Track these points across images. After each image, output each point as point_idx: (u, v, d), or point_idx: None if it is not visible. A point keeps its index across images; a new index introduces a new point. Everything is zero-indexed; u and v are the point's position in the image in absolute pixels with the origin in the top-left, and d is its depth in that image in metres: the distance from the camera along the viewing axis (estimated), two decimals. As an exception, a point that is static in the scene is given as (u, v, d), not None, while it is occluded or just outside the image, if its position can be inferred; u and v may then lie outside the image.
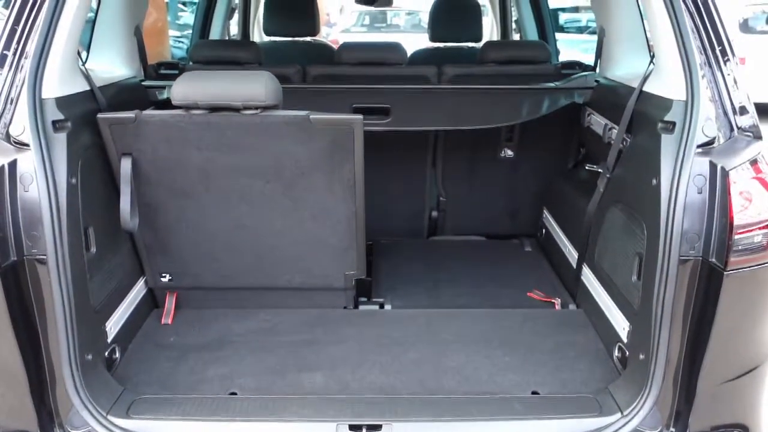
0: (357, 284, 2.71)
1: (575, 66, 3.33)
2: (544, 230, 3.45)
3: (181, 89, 2.20)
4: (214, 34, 4.66)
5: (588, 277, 2.71)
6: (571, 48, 9.16)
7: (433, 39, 4.59)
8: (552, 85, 3.11)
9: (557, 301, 2.83)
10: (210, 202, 2.43)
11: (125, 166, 2.30)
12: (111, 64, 2.98)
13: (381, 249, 3.46)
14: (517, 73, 3.28)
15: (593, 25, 11.94)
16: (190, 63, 3.30)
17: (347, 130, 2.27)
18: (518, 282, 3.03)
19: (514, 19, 4.91)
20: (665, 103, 2.14)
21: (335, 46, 5.92)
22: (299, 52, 4.60)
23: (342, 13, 15.80)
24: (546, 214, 3.42)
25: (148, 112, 2.28)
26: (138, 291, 2.64)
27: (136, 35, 3.08)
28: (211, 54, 3.27)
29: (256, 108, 2.22)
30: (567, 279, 3.00)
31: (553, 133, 3.32)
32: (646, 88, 2.37)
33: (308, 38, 4.63)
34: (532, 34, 4.66)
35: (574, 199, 3.00)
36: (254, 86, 2.19)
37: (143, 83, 3.02)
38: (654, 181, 2.05)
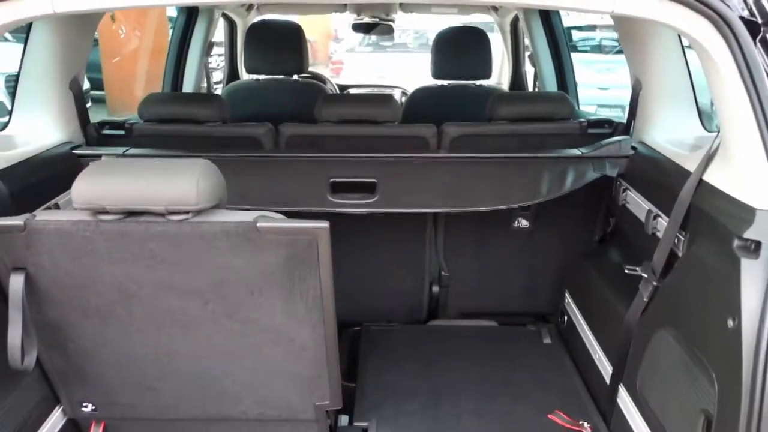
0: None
1: (603, 124, 2.69)
2: (566, 317, 2.82)
3: (84, 189, 1.61)
4: (190, 72, 4.07)
5: (626, 403, 2.08)
6: (587, 67, 8.58)
7: (436, 76, 3.96)
8: (578, 152, 2.48)
9: (586, 430, 2.19)
10: (135, 324, 1.83)
11: (15, 284, 1.71)
12: (38, 128, 2.40)
13: (370, 338, 2.85)
14: (534, 132, 2.66)
15: (608, 43, 11.35)
16: (140, 122, 2.70)
17: (309, 240, 1.66)
18: (537, 395, 2.40)
19: (528, 53, 4.27)
20: (744, 212, 1.53)
21: (330, 84, 5.36)
22: (285, 92, 4.00)
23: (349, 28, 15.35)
24: (568, 298, 2.79)
25: (44, 216, 1.68)
26: (55, 422, 2.05)
27: (73, 89, 2.49)
28: (164, 111, 2.67)
29: (186, 212, 1.62)
30: (597, 393, 2.37)
31: (577, 200, 2.69)
32: (708, 178, 1.75)
33: (296, 76, 4.02)
34: (548, 70, 4.03)
35: (606, 292, 2.38)
36: (183, 184, 1.59)
37: (75, 152, 2.42)
38: (731, 322, 1.44)
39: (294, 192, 2.33)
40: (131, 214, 1.63)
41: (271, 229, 1.64)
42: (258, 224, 1.63)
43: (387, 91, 5.42)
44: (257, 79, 4.02)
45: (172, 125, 2.65)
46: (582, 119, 2.69)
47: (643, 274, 1.98)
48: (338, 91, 5.31)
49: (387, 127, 2.68)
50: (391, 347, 2.80)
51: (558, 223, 2.85)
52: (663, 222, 2.04)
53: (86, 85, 10.52)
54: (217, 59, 5.87)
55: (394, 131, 2.68)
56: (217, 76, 5.12)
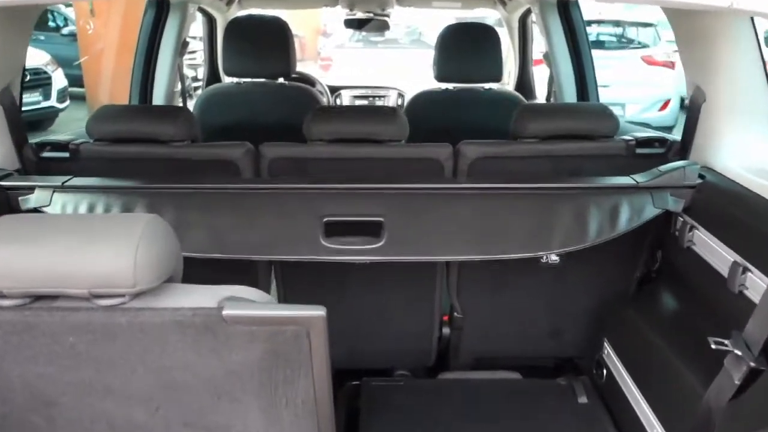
0: None
1: (654, 143, 2.20)
2: (604, 371, 2.33)
3: None
4: (161, 75, 3.53)
5: None
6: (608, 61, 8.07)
7: (440, 78, 3.45)
8: (631, 180, 1.98)
9: None
10: None
11: None
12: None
13: (371, 396, 2.36)
14: (572, 153, 2.16)
15: (606, 38, 10.82)
16: (90, 141, 2.18)
17: (296, 332, 1.15)
18: None
19: (542, 52, 3.77)
20: None
21: (320, 85, 4.82)
22: (269, 99, 3.48)
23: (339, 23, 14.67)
24: (609, 350, 2.30)
25: None
26: None
27: (4, 102, 1.98)
28: (117, 128, 2.14)
29: (121, 296, 1.11)
30: None
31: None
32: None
33: (282, 80, 3.49)
34: (566, 71, 3.53)
35: (667, 354, 1.90)
36: (114, 258, 1.08)
37: (1, 183, 1.90)
38: None
39: (277, 234, 1.83)
40: (39, 298, 1.12)
41: (242, 319, 1.13)
42: (224, 312, 1.12)
43: (382, 93, 4.91)
44: (238, 83, 3.49)
45: (128, 146, 2.13)
46: (629, 137, 2.19)
47: (736, 351, 1.49)
48: (328, 93, 4.79)
49: (392, 147, 2.17)
50: (396, 407, 2.31)
51: (592, 258, 2.35)
52: (757, 279, 1.56)
53: (64, 82, 10.07)
54: (199, 56, 5.34)
55: (402, 153, 2.17)
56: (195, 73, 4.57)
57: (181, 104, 3.71)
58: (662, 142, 2.19)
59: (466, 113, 3.45)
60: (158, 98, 3.57)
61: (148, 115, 2.20)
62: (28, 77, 9.40)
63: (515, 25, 4.33)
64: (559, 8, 3.48)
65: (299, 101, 3.50)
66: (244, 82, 3.49)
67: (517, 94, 3.63)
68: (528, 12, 4.20)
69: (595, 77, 3.53)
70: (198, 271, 1.81)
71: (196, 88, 6.05)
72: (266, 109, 3.47)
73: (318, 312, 1.12)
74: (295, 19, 4.60)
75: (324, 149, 2.16)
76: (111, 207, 1.85)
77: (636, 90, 9.13)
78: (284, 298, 2.35)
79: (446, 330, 2.57)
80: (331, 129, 2.17)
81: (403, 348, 2.62)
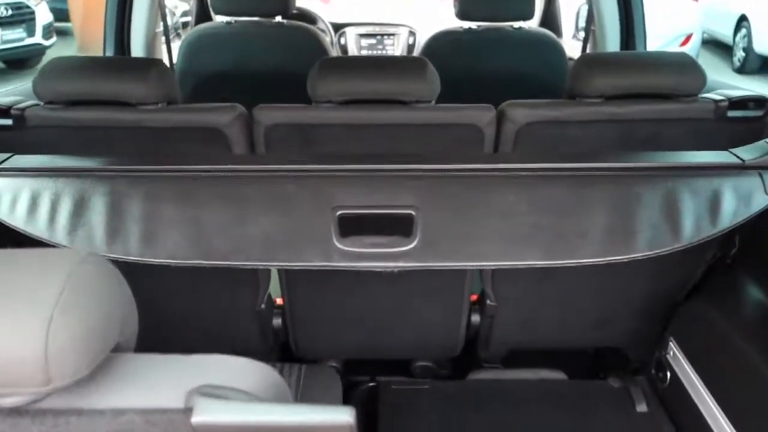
0: None
1: (748, 104, 1.72)
2: (668, 374, 1.94)
3: None
4: (139, 13, 2.99)
5: None
6: None
7: (462, 16, 2.93)
8: (735, 157, 1.51)
9: None
10: None
11: None
12: None
13: (388, 400, 1.99)
14: (647, 117, 1.69)
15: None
16: (40, 104, 1.71)
17: None
18: None
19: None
20: None
21: (322, 22, 4.26)
22: (265, 41, 2.97)
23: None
24: (675, 349, 1.91)
25: None
26: None
27: None
28: (73, 87, 1.67)
29: (29, 394, 0.68)
30: None
31: None
32: None
33: (280, 18, 2.96)
34: (610, 7, 2.99)
35: (750, 359, 1.51)
36: (11, 346, 0.65)
37: None
38: None
39: (278, 233, 1.38)
40: None
41: (222, 430, 0.71)
42: (193, 419, 0.70)
43: (391, 30, 4.35)
44: (228, 23, 2.97)
45: (86, 110, 1.66)
46: (718, 96, 1.72)
47: None
48: (332, 32, 4.24)
49: (420, 110, 1.70)
50: (420, 416, 1.94)
51: None
52: None
53: (50, 17, 9.39)
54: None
55: (432, 117, 1.70)
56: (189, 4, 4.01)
57: (164, 47, 3.19)
58: (760, 102, 1.72)
59: (494, 58, 2.95)
60: (137, 41, 3.05)
61: (112, 69, 1.71)
62: (10, 12, 8.74)
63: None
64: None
65: (301, 44, 2.99)
66: (236, 21, 2.96)
67: (552, 34, 3.10)
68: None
69: (643, 16, 3.00)
70: (178, 278, 1.39)
71: (185, 25, 5.46)
72: (262, 54, 2.97)
73: (343, 418, 0.70)
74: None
75: (334, 114, 1.69)
76: (60, 198, 1.40)
77: (655, 23, 8.47)
78: (288, 293, 1.93)
79: (476, 318, 2.17)
80: (342, 87, 1.69)
81: (426, 337, 2.23)
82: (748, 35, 9.05)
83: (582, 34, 3.93)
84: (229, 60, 2.96)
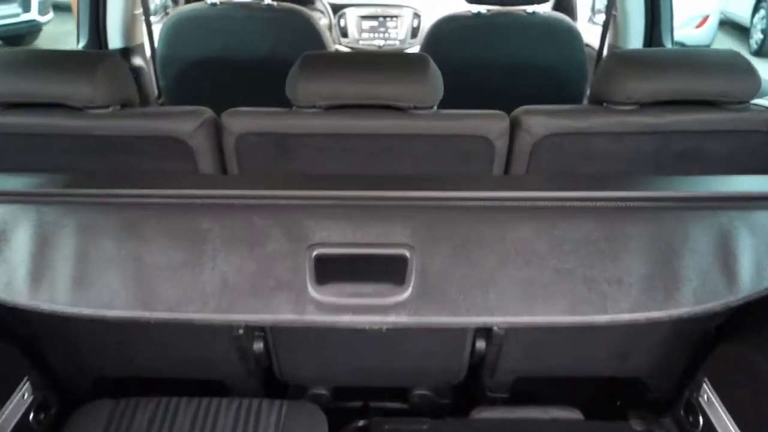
0: None
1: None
2: (700, 419, 1.68)
3: None
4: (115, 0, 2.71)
5: None
6: None
7: (472, 0, 2.64)
8: None
9: None
10: None
11: None
12: None
13: None
14: (688, 129, 1.41)
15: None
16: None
17: None
18: None
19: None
20: None
21: (321, 5, 3.95)
22: (253, 26, 2.68)
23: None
24: (710, 394, 1.64)
25: None
26: None
27: None
28: (5, 86, 1.39)
29: None
30: None
31: None
32: None
33: (269, 0, 2.67)
34: (635, 3, 2.69)
35: None
36: None
37: None
38: None
39: (238, 277, 1.11)
40: None
41: None
42: None
43: (394, 12, 4.03)
44: (213, 4, 2.67)
45: (22, 114, 1.39)
46: None
47: None
48: (330, 13, 3.93)
49: (420, 117, 1.41)
50: None
51: None
52: None
53: (48, -8, 9.03)
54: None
55: (434, 127, 1.42)
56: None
57: (144, 32, 2.90)
58: None
59: (506, 45, 2.65)
60: (113, 25, 2.77)
61: (52, 65, 1.43)
62: (4, -14, 8.41)
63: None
64: None
65: (292, 28, 2.69)
66: (221, 2, 2.67)
67: (569, 20, 2.80)
68: None
69: (671, 2, 2.69)
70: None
71: (177, 2, 5.15)
72: (250, 38, 2.69)
73: None
74: None
75: (317, 121, 1.41)
76: None
77: (671, 3, 8.08)
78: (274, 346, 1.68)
79: (481, 344, 1.91)
80: (328, 89, 1.41)
81: (425, 364, 1.97)
82: (768, 16, 8.65)
83: (598, 18, 3.62)
84: (214, 45, 2.67)
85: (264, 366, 1.96)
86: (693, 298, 1.09)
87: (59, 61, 1.41)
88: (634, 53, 1.50)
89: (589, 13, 4.12)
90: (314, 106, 1.41)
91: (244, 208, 1.15)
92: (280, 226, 1.14)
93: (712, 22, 8.41)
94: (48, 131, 1.39)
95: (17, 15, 8.61)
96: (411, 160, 1.43)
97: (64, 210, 1.15)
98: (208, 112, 1.43)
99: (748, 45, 9.16)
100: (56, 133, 1.40)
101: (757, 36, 8.97)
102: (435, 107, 1.46)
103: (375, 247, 1.12)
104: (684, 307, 1.08)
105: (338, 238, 1.12)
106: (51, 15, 9.27)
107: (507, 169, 1.48)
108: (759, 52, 8.82)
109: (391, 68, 1.44)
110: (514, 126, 1.43)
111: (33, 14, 8.84)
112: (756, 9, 9.07)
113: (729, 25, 10.14)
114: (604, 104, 1.47)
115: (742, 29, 9.66)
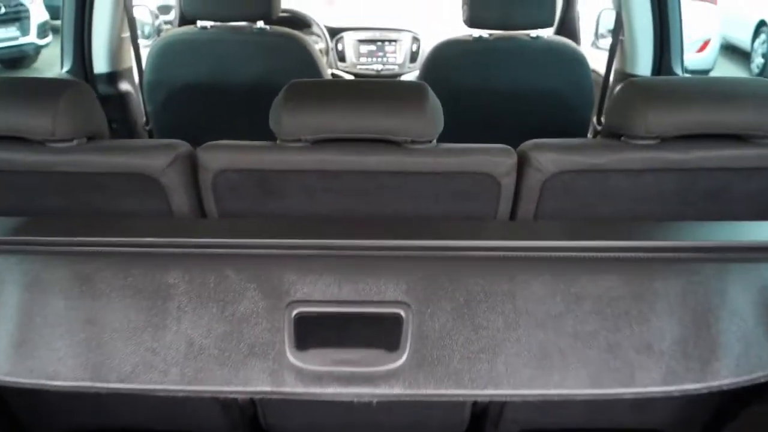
0: None
1: None
2: None
3: None
4: (101, 13, 2.58)
5: None
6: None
7: (472, 24, 2.51)
8: None
9: None
10: None
11: None
12: None
13: None
14: (715, 166, 1.26)
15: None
16: None
17: None
18: None
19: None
20: None
21: (317, 26, 3.84)
22: (244, 50, 2.56)
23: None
24: None
25: None
26: None
27: None
28: None
29: None
30: None
31: None
32: None
33: (262, 23, 2.53)
34: (641, 12, 2.56)
35: None
36: None
37: None
38: None
39: (206, 341, 0.95)
40: None
41: None
42: None
43: (393, 36, 3.92)
44: (203, 28, 2.54)
45: None
46: None
47: None
48: (327, 37, 3.81)
49: (417, 153, 1.27)
50: None
51: None
52: None
53: (45, 15, 8.99)
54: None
55: (433, 164, 1.27)
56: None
57: (132, 56, 2.78)
58: None
59: (509, 71, 2.52)
60: (99, 49, 2.65)
61: (10, 94, 1.28)
62: (3, 10, 8.34)
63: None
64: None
65: (286, 53, 2.56)
66: (212, 26, 2.54)
67: (574, 45, 2.67)
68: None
69: (681, 25, 2.57)
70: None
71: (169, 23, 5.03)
72: (241, 63, 2.56)
73: None
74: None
75: (303, 157, 1.26)
76: None
77: (672, 28, 8.01)
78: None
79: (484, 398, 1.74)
80: (314, 122, 1.26)
81: (425, 415, 1.81)
82: (768, 41, 8.60)
83: (602, 42, 3.50)
84: (203, 70, 2.54)
85: (248, 416, 1.80)
86: (735, 368, 0.93)
87: (17, 89, 1.27)
88: (655, 82, 1.36)
89: (592, 37, 4.01)
90: (300, 140, 1.27)
91: (216, 259, 1.00)
92: (256, 280, 0.98)
93: (714, 47, 8.33)
94: (4, 167, 1.25)
95: (16, 38, 8.54)
96: (408, 199, 1.28)
97: (4, 261, 0.99)
98: (182, 147, 1.29)
99: (749, 69, 9.09)
100: (13, 170, 1.25)
101: (758, 60, 8.90)
102: (434, 141, 1.31)
103: (365, 305, 0.97)
104: (725, 379, 0.92)
105: (322, 294, 0.97)
106: (50, 38, 9.20)
107: (514, 210, 1.33)
108: (761, 75, 8.75)
109: (386, 98, 1.30)
110: (522, 162, 1.29)
111: (32, 37, 8.77)
112: (756, 33, 9.02)
113: (729, 49, 10.09)
114: (621, 138, 1.32)
115: (742, 54, 9.60)
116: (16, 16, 8.47)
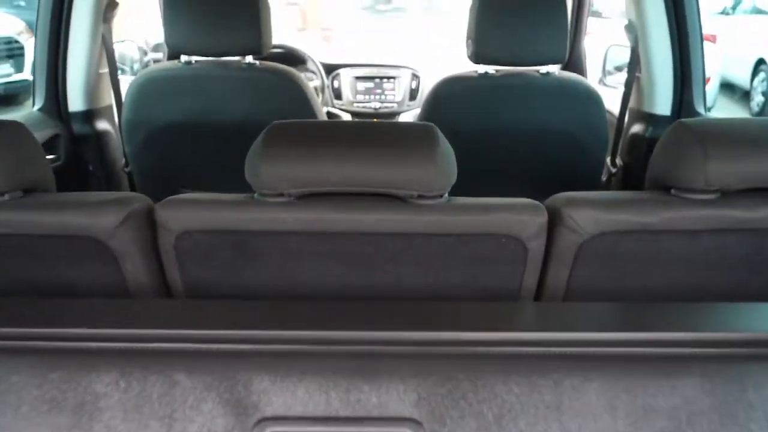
0: None
1: None
2: None
3: None
4: (76, 53, 2.37)
5: None
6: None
7: (478, 59, 2.30)
8: None
9: None
10: None
11: None
12: None
13: None
14: None
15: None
16: None
17: None
18: None
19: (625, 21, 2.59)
20: None
21: (312, 62, 3.65)
22: (231, 86, 2.35)
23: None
24: None
25: None
26: None
27: None
28: None
29: None
30: None
31: None
32: None
33: (251, 58, 2.32)
34: (661, 48, 2.37)
35: None
36: None
37: None
38: None
39: None
40: None
41: None
42: None
43: (392, 73, 3.72)
44: (188, 63, 2.33)
45: None
46: None
47: None
48: (323, 74, 3.62)
49: (427, 211, 1.03)
50: None
51: None
52: None
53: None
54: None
55: (448, 223, 1.03)
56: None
57: (112, 94, 2.56)
58: None
59: (519, 109, 2.31)
60: (75, 86, 2.43)
61: None
62: (-1, 46, 8.23)
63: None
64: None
65: (277, 90, 2.35)
66: (196, 61, 2.33)
67: (588, 81, 2.46)
68: (590, -33, 3.02)
69: (703, 61, 2.37)
70: None
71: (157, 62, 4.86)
72: (228, 101, 2.34)
73: None
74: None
75: (286, 215, 1.02)
76: None
77: (671, 66, 7.92)
78: None
79: None
80: (300, 172, 1.03)
81: None
82: (768, 79, 8.52)
83: (610, 80, 3.30)
84: (187, 108, 2.33)
85: None
86: None
87: None
88: (712, 124, 1.13)
89: (599, 74, 3.83)
90: (283, 194, 1.03)
91: (162, 357, 0.75)
92: (215, 388, 0.73)
93: (714, 85, 8.21)
94: None
95: (9, 75, 8.40)
96: (414, 266, 1.04)
97: None
98: (137, 202, 1.05)
99: (749, 108, 8.98)
100: None
101: (758, 98, 8.80)
102: (446, 195, 1.07)
103: (361, 424, 0.71)
104: None
105: (303, 407, 0.72)
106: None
107: (542, 278, 1.09)
108: (761, 115, 8.63)
109: (388, 143, 1.07)
110: (554, 221, 1.05)
111: (26, 74, 8.63)
112: (755, 72, 8.94)
113: (727, 87, 10.00)
114: (672, 191, 1.09)
115: (741, 92, 9.50)
116: (10, 53, 8.35)
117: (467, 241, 1.03)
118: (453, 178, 1.06)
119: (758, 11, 9.37)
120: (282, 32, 3.92)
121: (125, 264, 1.03)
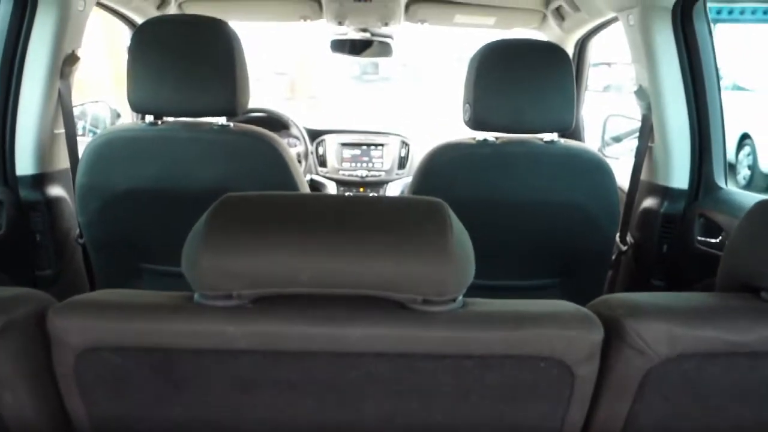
0: None
1: None
2: None
3: None
4: (28, 111, 2.10)
5: None
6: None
7: (477, 125, 2.05)
8: None
9: None
10: None
11: None
12: None
13: None
14: None
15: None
16: None
17: None
18: None
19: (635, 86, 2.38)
20: None
21: (296, 128, 3.41)
22: (201, 152, 2.07)
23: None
24: None
25: None
26: None
27: None
28: None
29: None
30: None
31: None
32: None
33: (225, 120, 2.05)
34: (677, 115, 2.15)
35: None
36: None
37: None
38: None
39: None
40: None
41: None
42: None
43: (380, 140, 3.50)
44: (152, 123, 2.06)
45: None
46: None
47: None
48: (307, 140, 3.37)
49: (436, 323, 0.72)
50: None
51: None
52: None
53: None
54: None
55: (463, 341, 0.72)
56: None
57: (67, 157, 2.28)
58: None
59: (522, 180, 2.05)
60: (26, 145, 2.15)
61: None
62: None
63: (570, 50, 2.97)
64: (675, 18, 2.08)
65: (251, 154, 2.07)
66: (163, 121, 2.06)
67: (596, 151, 2.22)
68: (590, 34, 2.85)
69: (724, 132, 2.15)
70: None
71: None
72: (198, 166, 2.06)
73: None
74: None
75: (234, 327, 0.71)
76: None
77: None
78: None
79: None
80: (255, 266, 0.72)
81: None
82: (753, 153, 8.55)
83: (609, 151, 3.08)
84: (150, 173, 2.04)
85: None
86: None
87: None
88: None
89: (598, 143, 3.64)
90: (231, 296, 0.72)
91: None
92: None
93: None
94: None
95: None
96: (415, 401, 0.73)
97: None
98: (25, 304, 0.74)
99: (736, 181, 8.98)
100: None
101: (744, 172, 8.84)
102: (460, 298, 0.77)
103: None
104: None
105: None
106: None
107: (591, 414, 0.78)
108: (747, 188, 8.63)
109: (383, 226, 0.77)
110: (610, 337, 0.75)
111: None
112: (740, 146, 9.00)
113: (712, 161, 10.04)
114: (762, 294, 0.80)
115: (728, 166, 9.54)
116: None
117: (492, 365, 0.73)
118: (471, 274, 0.76)
119: (738, 88, 9.51)
120: (270, 101, 3.70)
121: (4, 395, 0.71)
